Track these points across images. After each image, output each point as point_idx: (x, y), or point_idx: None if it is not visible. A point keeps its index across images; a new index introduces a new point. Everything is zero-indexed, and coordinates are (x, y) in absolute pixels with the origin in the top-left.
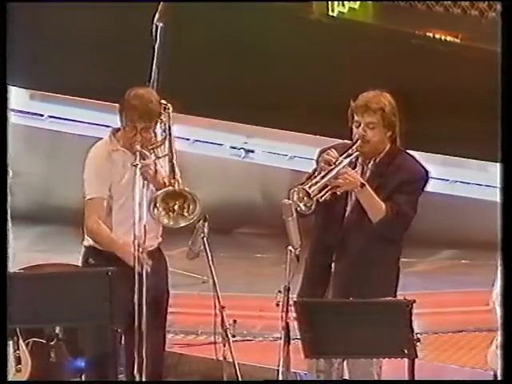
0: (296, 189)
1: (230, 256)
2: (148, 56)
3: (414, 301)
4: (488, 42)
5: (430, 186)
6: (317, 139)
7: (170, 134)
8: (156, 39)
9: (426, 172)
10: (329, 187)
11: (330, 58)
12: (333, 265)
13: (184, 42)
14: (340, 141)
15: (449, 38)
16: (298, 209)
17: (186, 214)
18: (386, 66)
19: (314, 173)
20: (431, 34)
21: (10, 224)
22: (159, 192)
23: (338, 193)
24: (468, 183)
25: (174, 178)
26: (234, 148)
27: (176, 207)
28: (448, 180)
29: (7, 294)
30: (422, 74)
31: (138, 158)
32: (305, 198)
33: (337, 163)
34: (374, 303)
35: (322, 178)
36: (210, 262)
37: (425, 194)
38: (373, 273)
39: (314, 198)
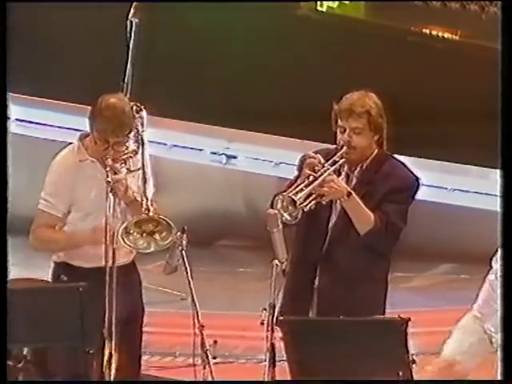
0: (280, 196)
1: (211, 271)
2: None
3: (410, 319)
4: (489, 39)
5: (427, 195)
6: (305, 144)
7: (142, 144)
8: (131, 36)
9: (417, 179)
10: (314, 196)
11: (318, 57)
12: (316, 280)
13: (161, 39)
14: (327, 146)
15: (447, 35)
16: (283, 218)
17: (158, 238)
18: (378, 66)
19: (296, 180)
20: (428, 31)
21: None
22: (131, 219)
23: (324, 202)
24: (468, 191)
25: (146, 199)
26: (215, 154)
27: (149, 230)
28: (446, 188)
29: None
30: (418, 73)
31: (109, 174)
32: (289, 207)
33: (322, 170)
34: (366, 322)
35: (307, 185)
36: (189, 277)
37: (421, 203)
38: (360, 289)
39: (300, 207)
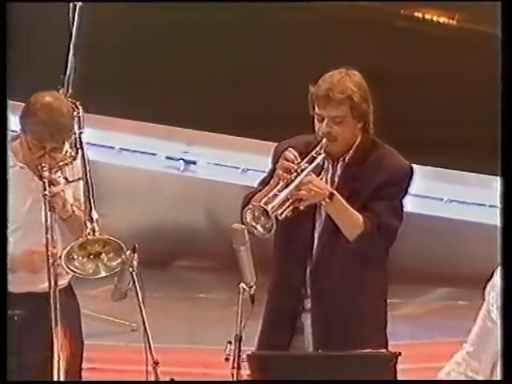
0: (250, 206)
1: (167, 296)
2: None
3: (400, 353)
4: (491, 24)
5: (419, 207)
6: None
7: (82, 148)
8: (73, 21)
9: (410, 168)
10: (290, 201)
11: (295, 44)
12: (301, 305)
13: (109, 27)
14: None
15: (442, 20)
16: (255, 232)
17: (105, 259)
18: (364, 55)
19: (270, 177)
20: (420, 15)
21: None
22: (74, 242)
23: (301, 207)
24: (466, 203)
25: (90, 218)
26: (171, 158)
27: (95, 252)
28: (441, 199)
29: None
30: (409, 64)
31: (46, 187)
32: (262, 218)
33: (299, 170)
34: (348, 357)
35: (281, 190)
36: (141, 305)
37: (412, 216)
38: (357, 309)
39: (274, 217)
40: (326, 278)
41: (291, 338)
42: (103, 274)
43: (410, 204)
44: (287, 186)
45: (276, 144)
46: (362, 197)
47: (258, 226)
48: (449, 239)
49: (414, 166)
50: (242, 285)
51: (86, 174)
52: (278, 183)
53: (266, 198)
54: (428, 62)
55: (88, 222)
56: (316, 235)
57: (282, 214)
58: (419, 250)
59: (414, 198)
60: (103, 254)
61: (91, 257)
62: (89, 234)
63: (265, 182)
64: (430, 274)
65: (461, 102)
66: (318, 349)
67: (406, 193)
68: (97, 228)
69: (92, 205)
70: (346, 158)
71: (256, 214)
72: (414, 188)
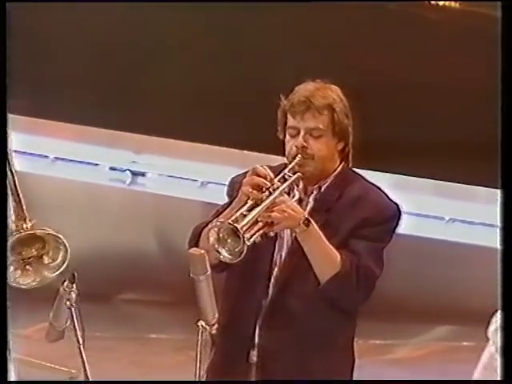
0: (217, 223)
1: (111, 337)
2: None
3: None
4: (496, 7)
5: (414, 228)
6: (244, 156)
7: (7, 158)
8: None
9: (397, 207)
10: (260, 224)
11: (264, 35)
12: (253, 353)
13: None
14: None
15: (442, 2)
16: (221, 257)
17: (46, 260)
18: (350, 45)
19: (225, 209)
20: None
21: None
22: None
23: (271, 234)
24: (472, 223)
25: (21, 215)
26: (116, 169)
27: (33, 255)
28: (442, 218)
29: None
30: (403, 54)
31: None
32: (229, 240)
33: (271, 189)
34: None
35: (250, 209)
36: (81, 347)
37: (406, 239)
38: (318, 361)
39: (246, 239)
40: (281, 328)
41: None
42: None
43: (404, 224)
44: (257, 205)
45: (232, 176)
46: (338, 232)
47: (224, 251)
48: (451, 267)
49: (408, 177)
50: (202, 323)
51: (16, 188)
52: (246, 202)
53: (233, 218)
54: (423, 50)
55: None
56: (276, 267)
57: (250, 238)
58: (414, 280)
59: (410, 216)
60: (44, 257)
61: (27, 266)
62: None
63: (217, 214)
64: (427, 309)
65: (463, 97)
66: None
67: (390, 237)
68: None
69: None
70: (323, 187)
71: (222, 234)
72: (408, 205)
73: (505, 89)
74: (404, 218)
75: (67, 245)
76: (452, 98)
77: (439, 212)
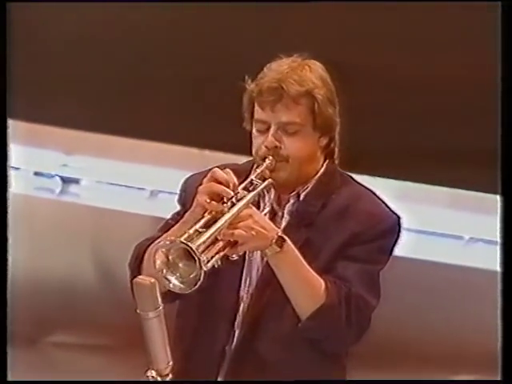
0: (166, 243)
1: None
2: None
3: None
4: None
5: (421, 250)
6: (203, 158)
7: None
8: None
9: (397, 218)
10: (220, 244)
11: (228, 18)
12: None
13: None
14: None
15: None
16: (171, 286)
17: None
18: (329, 33)
19: (176, 221)
20: None
21: None
22: None
23: (235, 256)
24: (496, 242)
25: None
26: (42, 175)
27: None
28: (461, 237)
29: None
30: (403, 54)
31: None
32: (181, 265)
33: (234, 199)
34: None
35: (207, 225)
36: None
37: (407, 263)
38: None
39: (202, 263)
40: (250, 378)
41: None
42: None
43: (411, 246)
44: (216, 219)
45: (186, 176)
46: (322, 253)
47: (174, 278)
48: (469, 300)
49: (411, 184)
50: (152, 373)
51: None
52: (203, 216)
53: (185, 235)
54: (415, 41)
55: None
56: (242, 304)
57: (207, 262)
58: (422, 316)
59: (418, 234)
60: None
61: None
62: None
63: (167, 228)
64: (439, 354)
65: (464, 94)
66: None
67: (388, 258)
68: None
69: None
70: (302, 195)
71: (171, 256)
72: (413, 220)
73: (505, 89)
74: (413, 238)
75: None
76: (452, 98)
77: (455, 229)
